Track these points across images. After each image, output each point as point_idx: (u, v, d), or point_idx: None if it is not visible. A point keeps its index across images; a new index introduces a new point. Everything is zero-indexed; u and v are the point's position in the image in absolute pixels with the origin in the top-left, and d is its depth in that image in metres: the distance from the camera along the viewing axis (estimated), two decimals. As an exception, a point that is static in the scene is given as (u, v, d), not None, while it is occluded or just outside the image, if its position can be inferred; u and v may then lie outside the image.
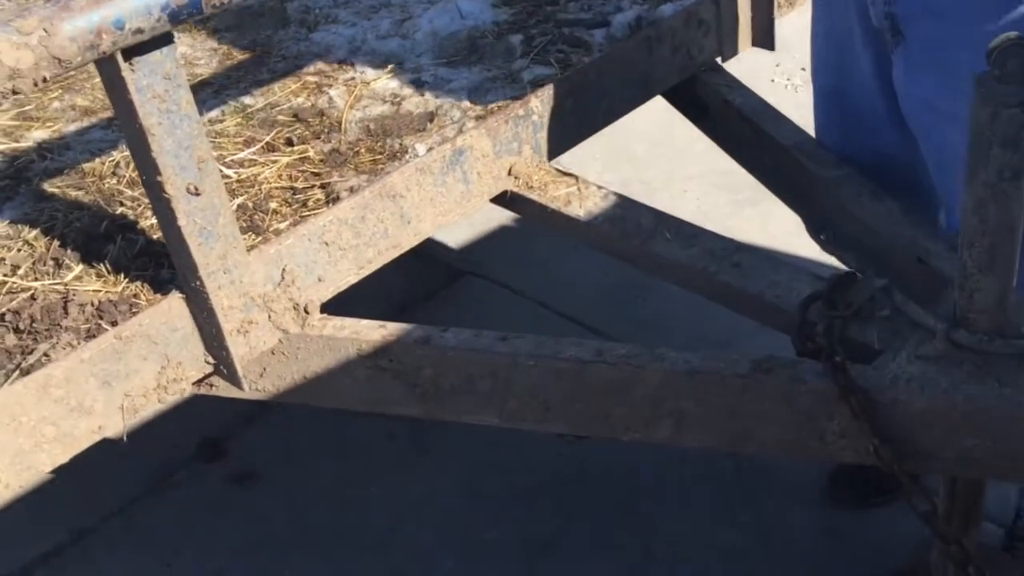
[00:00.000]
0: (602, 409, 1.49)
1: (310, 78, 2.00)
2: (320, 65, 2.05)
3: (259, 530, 2.56)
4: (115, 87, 1.24)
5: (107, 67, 1.23)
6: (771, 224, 3.31)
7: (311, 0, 2.31)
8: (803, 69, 4.17)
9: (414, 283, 3.28)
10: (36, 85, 1.11)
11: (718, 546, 2.42)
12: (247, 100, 1.94)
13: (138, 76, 1.23)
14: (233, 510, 2.62)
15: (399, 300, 3.17)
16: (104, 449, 2.70)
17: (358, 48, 2.10)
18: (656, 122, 3.84)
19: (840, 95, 1.91)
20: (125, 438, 1.45)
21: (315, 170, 1.74)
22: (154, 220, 1.61)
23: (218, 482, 2.69)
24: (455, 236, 3.39)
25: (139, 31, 1.17)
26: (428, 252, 3.37)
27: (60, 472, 2.56)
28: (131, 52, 1.21)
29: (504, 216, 3.25)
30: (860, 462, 1.49)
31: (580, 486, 2.60)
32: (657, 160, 3.78)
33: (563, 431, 1.55)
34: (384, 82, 1.97)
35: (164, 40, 1.24)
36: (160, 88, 1.26)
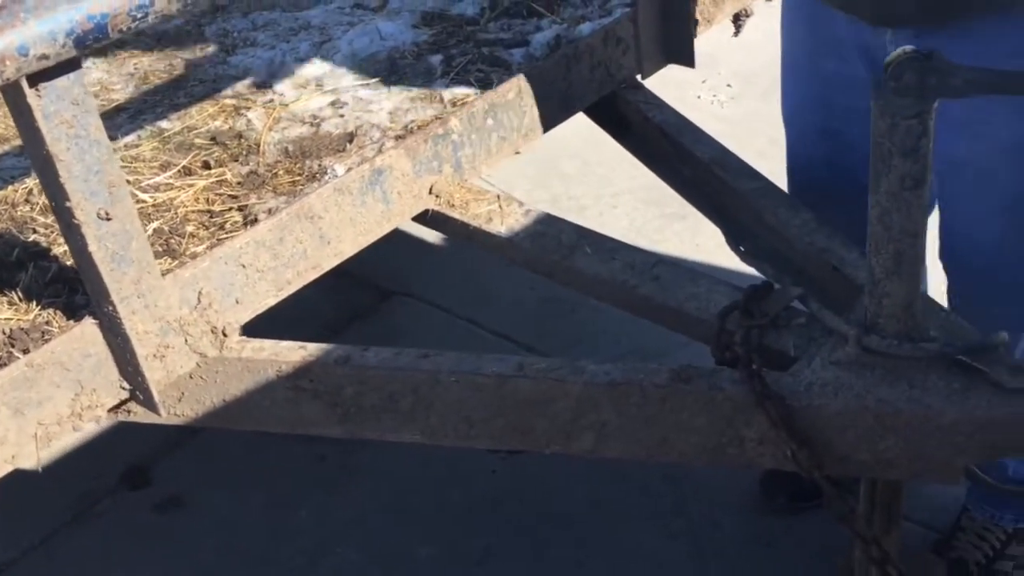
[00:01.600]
0: (524, 423, 1.50)
1: (228, 101, 1.99)
2: (238, 88, 2.04)
3: (186, 558, 2.52)
4: (21, 113, 1.22)
5: (12, 93, 1.21)
6: (700, 237, 3.35)
7: (229, 23, 2.30)
8: (729, 85, 4.23)
9: (343, 305, 3.27)
10: (-63, 111, 1.09)
11: (653, 557, 2.43)
12: (164, 124, 1.93)
13: (45, 102, 1.22)
14: (159, 538, 2.58)
15: (328, 323, 3.15)
16: (24, 480, 2.65)
17: (277, 71, 2.09)
18: (585, 140, 3.88)
19: (834, 135, 1.95)
20: (40, 468, 1.42)
21: (233, 193, 1.73)
22: (66, 247, 1.59)
23: (143, 510, 2.65)
24: (383, 256, 3.37)
25: (44, 57, 1.15)
26: (356, 273, 3.36)
27: (-22, 505, 2.54)
28: (37, 78, 1.20)
29: (433, 235, 3.26)
30: (779, 467, 1.51)
31: (513, 502, 2.60)
32: (586, 177, 3.81)
33: (486, 446, 1.56)
34: (303, 104, 1.97)
35: (71, 66, 1.22)
36: (68, 114, 1.25)
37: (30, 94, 1.19)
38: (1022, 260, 1.84)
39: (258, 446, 2.75)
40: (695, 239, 3.36)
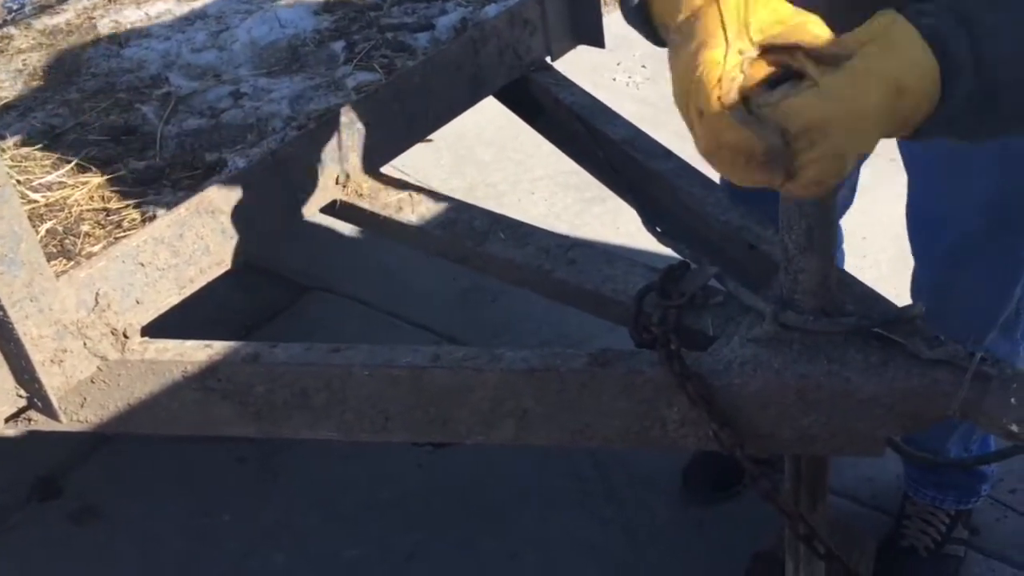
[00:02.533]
0: (442, 414, 1.46)
1: (122, 95, 1.92)
2: (132, 81, 1.97)
3: (104, 570, 2.44)
4: None
5: None
6: (620, 220, 3.34)
7: (121, 15, 2.21)
8: (643, 67, 4.23)
9: (259, 302, 3.19)
10: None
11: (585, 543, 2.42)
12: (54, 121, 1.85)
13: (-87, 96, 1.15)
14: (77, 551, 2.49)
15: (243, 321, 3.08)
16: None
17: (172, 62, 2.02)
18: (501, 127, 3.85)
19: None
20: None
21: (129, 189, 1.66)
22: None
23: (57, 522, 2.56)
24: (299, 251, 3.31)
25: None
26: (271, 269, 3.30)
27: None
28: (-96, 71, 1.13)
29: (349, 228, 3.20)
30: (703, 448, 1.49)
31: (441, 497, 2.56)
32: (503, 164, 3.78)
33: (405, 440, 1.52)
34: (201, 95, 1.90)
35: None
36: (-59, 109, 1.18)
37: None
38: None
39: (174, 451, 2.67)
40: (615, 222, 3.35)
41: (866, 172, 2.08)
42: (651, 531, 2.43)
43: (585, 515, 2.48)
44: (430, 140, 3.85)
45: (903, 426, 1.40)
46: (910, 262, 2.02)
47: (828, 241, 1.32)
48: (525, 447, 2.54)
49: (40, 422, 1.51)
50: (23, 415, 1.49)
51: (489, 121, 3.85)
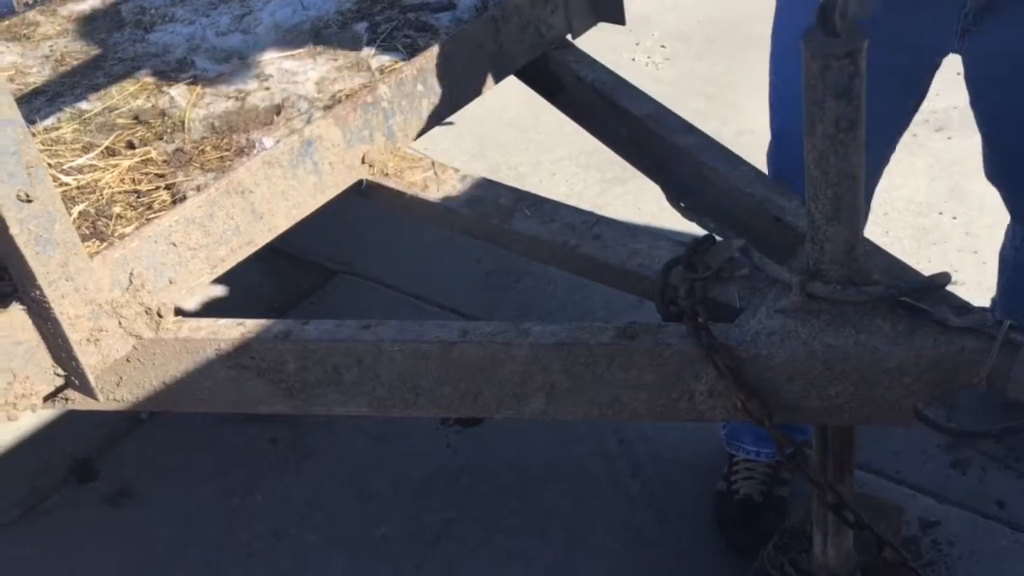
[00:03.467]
0: (472, 389, 1.47)
1: (149, 79, 1.94)
2: (159, 65, 1.99)
3: (140, 549, 2.48)
4: (-75, 92, 1.17)
5: (-86, 71, 1.16)
6: (641, 200, 3.35)
7: (146, 0, 2.23)
8: (663, 47, 4.23)
9: (286, 287, 3.23)
10: None
11: (612, 520, 2.43)
12: (83, 105, 1.87)
13: (-50, 80, 1.17)
14: (112, 530, 2.53)
15: (271, 306, 3.11)
16: (-31, 480, 2.60)
17: (198, 46, 2.04)
18: (522, 109, 3.86)
19: None
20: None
21: (159, 172, 1.68)
22: (-10, 234, 1.54)
23: (93, 503, 2.60)
24: (324, 235, 3.34)
25: (-55, 31, 1.10)
26: (299, 254, 3.32)
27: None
28: (-60, 55, 1.15)
29: (372, 211, 3.22)
30: (731, 419, 1.51)
31: (470, 475, 2.58)
32: (525, 145, 3.79)
33: (436, 414, 1.54)
34: (227, 79, 1.92)
35: (-24, 41, 1.17)
36: (-23, 92, 1.20)
37: (-66, 72, 1.14)
38: None
39: (208, 433, 2.71)
40: (637, 202, 3.36)
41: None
42: (677, 507, 2.44)
43: (612, 492, 2.50)
44: (451, 123, 3.86)
45: (930, 394, 1.40)
46: (932, 238, 2.02)
47: (855, 210, 1.32)
48: (552, 426, 2.61)
49: (77, 401, 1.53)
50: (60, 394, 1.52)
51: (510, 103, 3.86)
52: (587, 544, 2.39)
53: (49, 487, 2.65)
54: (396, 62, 1.86)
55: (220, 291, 3.02)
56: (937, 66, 1.91)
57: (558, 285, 3.07)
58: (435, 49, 1.85)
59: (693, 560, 2.33)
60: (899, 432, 2.46)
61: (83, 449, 2.72)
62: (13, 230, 1.27)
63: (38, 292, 1.33)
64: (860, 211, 1.34)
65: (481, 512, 2.49)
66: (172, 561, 2.45)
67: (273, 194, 1.63)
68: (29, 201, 1.28)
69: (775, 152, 2.07)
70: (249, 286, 3.18)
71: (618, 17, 2.13)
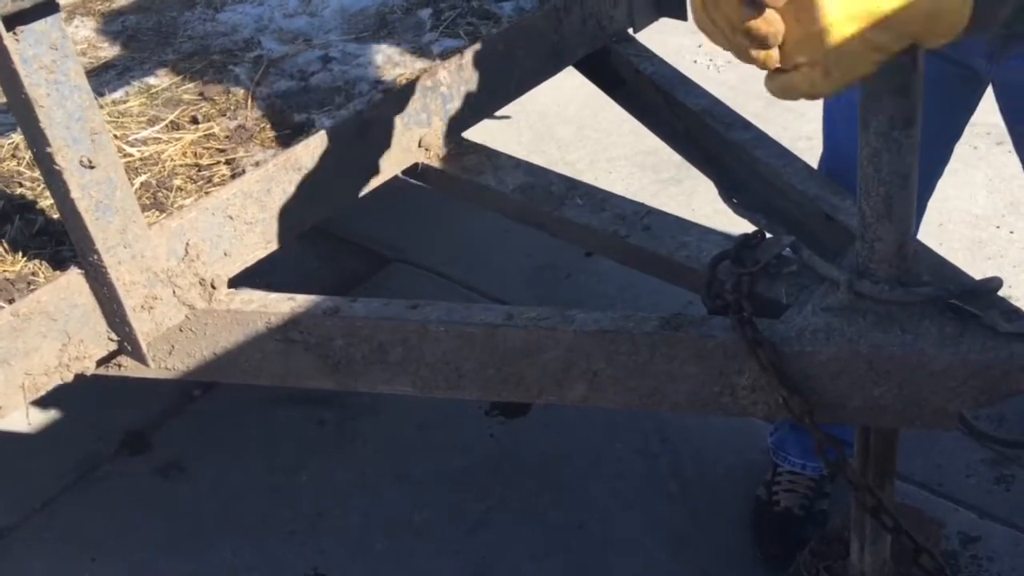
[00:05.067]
0: (515, 373, 1.48)
1: (216, 57, 1.98)
2: (227, 44, 2.03)
3: (186, 521, 2.52)
4: (-1, 57, 1.21)
5: (-11, 37, 1.20)
6: (695, 201, 3.34)
7: (219, -19, 2.28)
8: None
9: (340, 272, 3.26)
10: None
11: (649, 517, 2.43)
12: (151, 80, 1.91)
13: (23, 46, 1.20)
14: (159, 502, 2.58)
15: (326, 290, 3.14)
16: (25, 445, 2.67)
17: (265, 26, 2.07)
18: (582, 106, 3.86)
19: None
20: (28, 419, 1.42)
21: (220, 147, 1.71)
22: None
23: (143, 475, 2.65)
24: (380, 223, 3.37)
25: (20, -4, 1.14)
26: (354, 240, 3.36)
27: (-23, 469, 2.54)
28: (14, 21, 1.18)
29: (429, 201, 3.25)
30: (772, 416, 1.50)
31: (511, 466, 2.60)
32: (583, 142, 3.80)
33: (477, 397, 1.55)
34: (291, 59, 1.95)
35: (48, 8, 1.21)
36: (47, 59, 1.23)
37: (7, 37, 1.17)
38: None
39: (256, 412, 2.75)
40: (690, 203, 3.35)
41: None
42: (715, 508, 2.43)
43: (650, 490, 2.50)
44: (508, 117, 3.88)
45: (976, 400, 1.39)
46: (988, 251, 1.98)
47: (906, 209, 1.31)
48: (594, 421, 2.61)
49: (129, 367, 1.57)
50: (113, 360, 1.55)
51: (570, 99, 3.87)
52: (624, 540, 2.39)
53: (102, 456, 2.70)
54: (458, 48, 1.88)
55: (276, 274, 3.06)
56: (981, 83, 1.88)
57: (608, 282, 3.07)
58: (496, 37, 1.87)
59: (729, 563, 2.32)
60: (943, 445, 2.44)
61: (137, 421, 2.77)
62: (75, 194, 1.30)
63: (96, 257, 1.36)
64: (912, 210, 1.33)
65: (520, 502, 2.50)
66: (216, 535, 2.49)
67: (330, 172, 1.65)
68: (92, 167, 1.31)
69: (827, 163, 2.05)
70: (305, 270, 3.23)
71: (680, 12, 2.14)
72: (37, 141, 1.27)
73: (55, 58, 1.23)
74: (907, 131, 1.25)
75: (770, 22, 0.99)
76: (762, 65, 1.04)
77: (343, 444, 2.70)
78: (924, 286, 1.37)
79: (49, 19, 1.21)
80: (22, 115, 1.26)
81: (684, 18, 2.15)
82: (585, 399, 1.49)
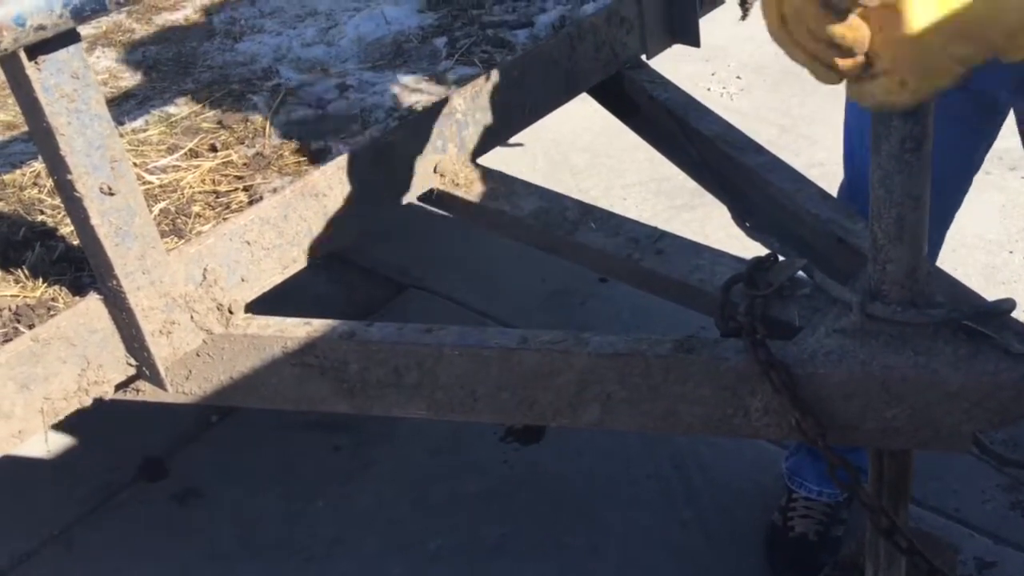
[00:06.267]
0: (529, 396, 1.49)
1: (235, 86, 2.01)
2: (245, 73, 2.06)
3: (205, 548, 2.54)
4: (20, 86, 1.23)
5: (11, 66, 1.22)
6: (709, 227, 3.35)
7: (237, 11, 2.31)
8: (738, 77, 4.23)
9: (356, 299, 3.28)
10: (-63, 82, 1.10)
11: (665, 542, 2.43)
12: (171, 109, 1.94)
13: (44, 75, 1.22)
14: (177, 529, 2.59)
15: (341, 316, 3.15)
16: (43, 471, 2.69)
17: (283, 56, 2.10)
18: (597, 134, 3.89)
19: None
20: (47, 444, 1.43)
21: (238, 174, 1.73)
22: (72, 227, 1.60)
23: (161, 501, 2.67)
24: (395, 249, 3.39)
25: (41, 28, 1.16)
26: (369, 267, 3.38)
27: (-2, 495, 2.56)
28: (36, 50, 1.21)
29: (444, 227, 3.27)
30: (784, 437, 1.50)
31: (526, 492, 2.60)
32: (597, 170, 3.82)
33: (492, 420, 1.56)
34: (309, 88, 1.98)
35: (70, 38, 1.23)
36: (68, 87, 1.25)
37: (29, 67, 1.20)
38: None
39: (273, 437, 2.77)
40: (704, 229, 3.36)
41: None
42: (730, 534, 2.43)
43: (666, 515, 2.50)
44: (520, 144, 3.90)
45: (989, 421, 1.38)
46: (1001, 277, 1.98)
47: (918, 231, 1.31)
48: (608, 447, 2.61)
49: (147, 392, 1.58)
50: (131, 385, 1.57)
51: (584, 128, 3.90)
52: (639, 565, 2.39)
53: (120, 483, 2.72)
54: (473, 76, 1.90)
55: (290, 299, 3.08)
56: (1001, 113, 1.89)
57: (622, 309, 3.08)
58: (512, 64, 1.89)
59: (744, 589, 2.32)
60: (958, 470, 2.43)
61: (154, 447, 2.79)
62: (94, 221, 1.32)
63: (115, 283, 1.38)
64: (924, 233, 1.33)
65: (536, 528, 2.50)
66: (235, 562, 2.50)
67: (347, 199, 1.67)
68: (111, 194, 1.33)
69: (848, 189, 2.05)
70: (319, 296, 3.25)
71: (693, 39, 2.15)
72: (58, 169, 1.29)
73: (76, 87, 1.25)
74: (917, 153, 1.25)
75: (855, 28, 0.98)
76: (845, 75, 1.03)
77: (359, 469, 2.71)
78: (936, 307, 1.37)
79: (71, 48, 1.23)
80: (43, 143, 1.28)
81: (697, 44, 2.17)
82: (599, 422, 1.50)
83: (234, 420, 2.84)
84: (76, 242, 1.57)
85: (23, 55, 1.18)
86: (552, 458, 2.66)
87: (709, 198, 3.35)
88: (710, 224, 3.33)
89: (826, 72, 1.05)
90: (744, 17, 2.62)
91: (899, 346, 1.37)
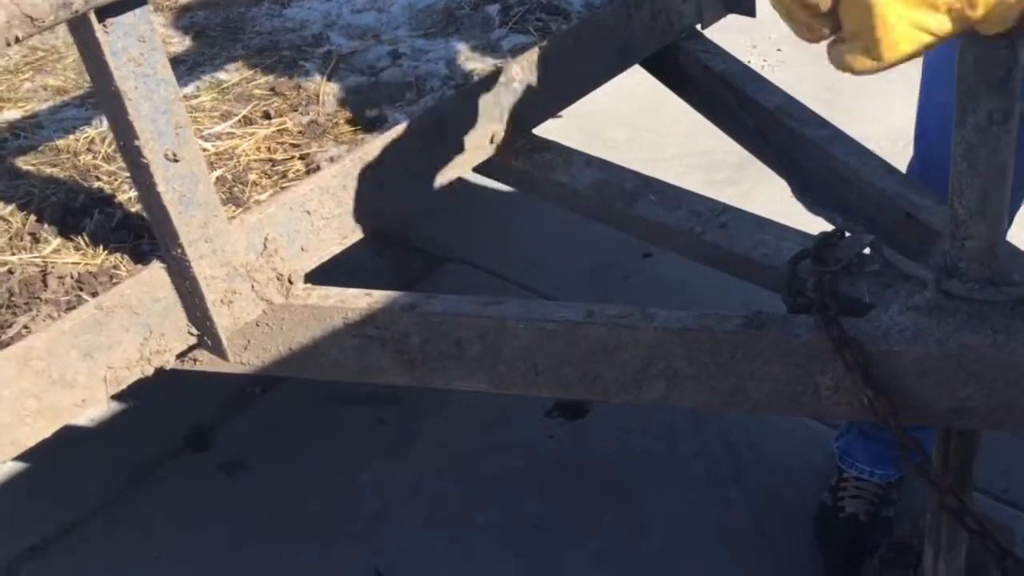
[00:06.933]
0: (593, 371, 1.47)
1: (285, 53, 1.98)
2: (295, 40, 2.03)
3: (249, 520, 2.53)
4: (89, 50, 1.21)
5: (81, 30, 1.20)
6: (751, 204, 3.26)
7: (284, -22, 2.28)
8: (779, 50, 4.18)
9: (396, 272, 3.26)
10: (9, 45, 1.08)
11: (712, 524, 2.41)
12: (222, 76, 1.92)
13: (112, 38, 1.20)
14: (222, 501, 2.59)
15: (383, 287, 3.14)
16: (89, 441, 2.69)
17: (333, 22, 2.07)
18: (636, 108, 3.84)
19: None
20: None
21: (294, 142, 1.71)
22: (132, 193, 1.59)
23: (206, 473, 2.66)
24: (435, 222, 3.37)
25: (113, -12, 1.14)
26: (408, 240, 3.36)
27: (45, 465, 2.55)
28: (104, 13, 1.18)
29: (483, 201, 3.24)
30: (855, 417, 1.47)
31: (572, 468, 2.58)
32: (636, 143, 3.77)
33: (553, 394, 1.53)
34: (361, 55, 1.95)
35: (137, 1, 1.21)
36: (135, 51, 1.23)
37: (98, 29, 1.17)
38: None
39: (317, 410, 2.76)
40: (747, 205, 3.29)
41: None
42: (777, 516, 2.40)
43: (712, 496, 2.48)
44: (560, 117, 3.85)
45: (1067, 402, 1.36)
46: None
47: (1000, 207, 1.28)
48: (656, 423, 2.59)
49: (205, 362, 1.57)
50: (190, 354, 1.55)
51: (623, 102, 3.85)
52: (683, 545, 2.37)
53: (166, 454, 2.72)
54: (528, 44, 1.87)
55: (328, 272, 3.07)
56: None
57: (666, 284, 3.05)
58: (567, 32, 1.86)
59: (792, 570, 2.29)
60: (1006, 451, 2.39)
61: (201, 419, 2.79)
62: (160, 188, 1.30)
63: (179, 251, 1.36)
64: (1005, 209, 1.30)
65: (581, 505, 2.49)
66: (278, 534, 2.49)
67: (403, 168, 1.65)
68: (176, 161, 1.31)
69: (917, 168, 1.99)
70: (357, 270, 3.21)
71: (749, 9, 2.12)
72: (124, 134, 1.27)
73: (143, 51, 1.23)
74: (1005, 126, 1.22)
75: None
76: (816, 35, 1.03)
77: (403, 444, 2.69)
78: (1015, 286, 1.34)
79: (137, 11, 1.21)
80: (110, 107, 1.26)
81: (753, 15, 2.13)
82: (664, 398, 1.47)
83: (277, 391, 2.83)
84: (135, 208, 1.56)
85: (93, 18, 1.16)
86: (598, 436, 2.64)
87: (751, 173, 3.31)
88: (752, 201, 3.27)
89: (801, 29, 1.04)
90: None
91: (976, 324, 1.34)
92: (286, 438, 2.73)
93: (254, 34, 2.08)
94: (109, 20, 1.19)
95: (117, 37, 1.20)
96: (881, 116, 3.60)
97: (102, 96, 1.26)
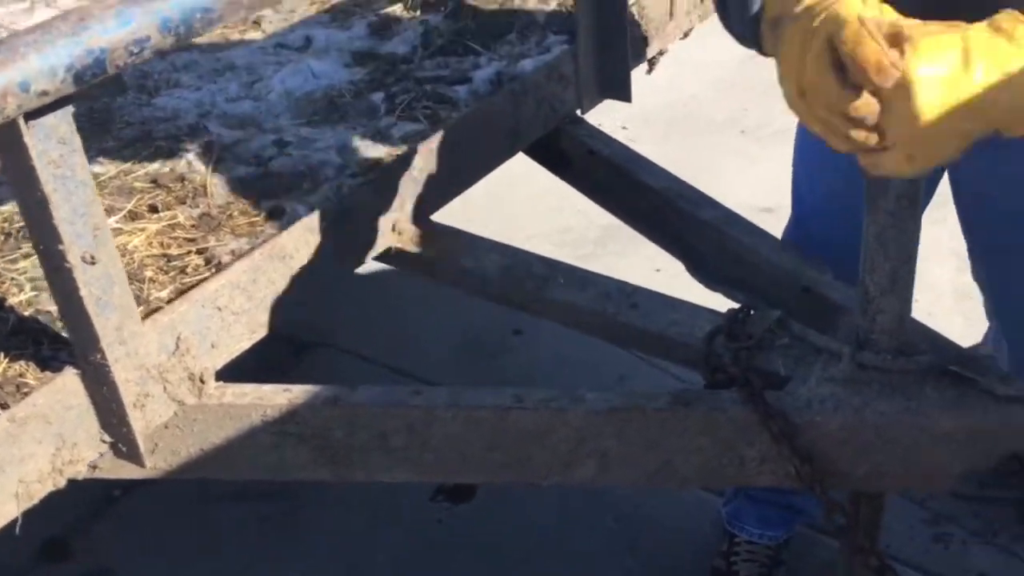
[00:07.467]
0: (522, 455, 1.47)
1: (161, 143, 1.90)
2: (171, 129, 1.95)
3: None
4: (12, 152, 1.15)
5: (6, 132, 1.13)
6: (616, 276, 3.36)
7: (147, 66, 2.19)
8: (624, 128, 4.26)
9: (260, 360, 3.15)
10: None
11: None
12: (97, 169, 1.82)
13: (35, 141, 1.15)
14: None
15: (248, 378, 3.04)
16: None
17: (208, 111, 2.01)
18: (493, 183, 3.86)
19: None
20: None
21: (188, 236, 1.65)
22: (22, 296, 1.51)
23: (71, 584, 2.50)
24: (299, 308, 3.28)
25: (44, 93, 1.08)
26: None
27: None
28: (29, 116, 1.13)
29: (344, 282, 3.18)
30: (778, 484, 1.52)
31: (464, 551, 2.55)
32: (495, 220, 3.79)
33: (481, 481, 1.52)
34: (244, 144, 1.90)
35: (62, 101, 1.15)
36: (55, 153, 1.17)
37: (26, 133, 1.12)
38: None
39: (191, 509, 2.62)
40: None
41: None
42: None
43: (611, 568, 2.48)
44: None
45: (975, 462, 1.44)
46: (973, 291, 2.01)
47: (909, 283, 1.36)
48: (545, 503, 2.58)
49: (106, 469, 1.48)
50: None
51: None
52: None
53: (21, 569, 2.53)
54: (420, 132, 1.87)
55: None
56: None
57: (540, 359, 3.06)
58: (460, 120, 1.87)
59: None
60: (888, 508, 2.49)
61: (57, 527, 2.61)
62: (81, 292, 1.24)
63: (99, 355, 1.29)
64: (912, 284, 1.38)
65: (478, 588, 2.45)
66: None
67: (312, 260, 1.62)
68: (93, 263, 1.25)
69: (793, 233, 2.07)
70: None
71: (624, 94, 2.18)
72: (45, 237, 1.20)
73: (63, 152, 1.18)
74: (912, 209, 1.30)
75: (867, 103, 1.02)
76: (859, 146, 1.07)
77: (287, 541, 2.59)
78: (923, 354, 1.42)
79: (59, 112, 1.16)
80: (32, 211, 1.19)
81: (628, 100, 2.19)
82: (593, 479, 1.49)
83: (141, 494, 2.68)
84: (27, 312, 1.47)
85: (22, 122, 1.10)
86: (487, 516, 2.61)
87: (612, 247, 3.38)
88: (619, 275, 3.36)
89: (840, 141, 1.09)
90: (650, 71, 2.66)
91: (890, 393, 1.41)
92: (156, 542, 2.58)
93: (124, 124, 1.99)
94: (31, 122, 1.13)
95: (39, 139, 1.15)
96: (729, 191, 3.72)
97: (24, 200, 1.19)
